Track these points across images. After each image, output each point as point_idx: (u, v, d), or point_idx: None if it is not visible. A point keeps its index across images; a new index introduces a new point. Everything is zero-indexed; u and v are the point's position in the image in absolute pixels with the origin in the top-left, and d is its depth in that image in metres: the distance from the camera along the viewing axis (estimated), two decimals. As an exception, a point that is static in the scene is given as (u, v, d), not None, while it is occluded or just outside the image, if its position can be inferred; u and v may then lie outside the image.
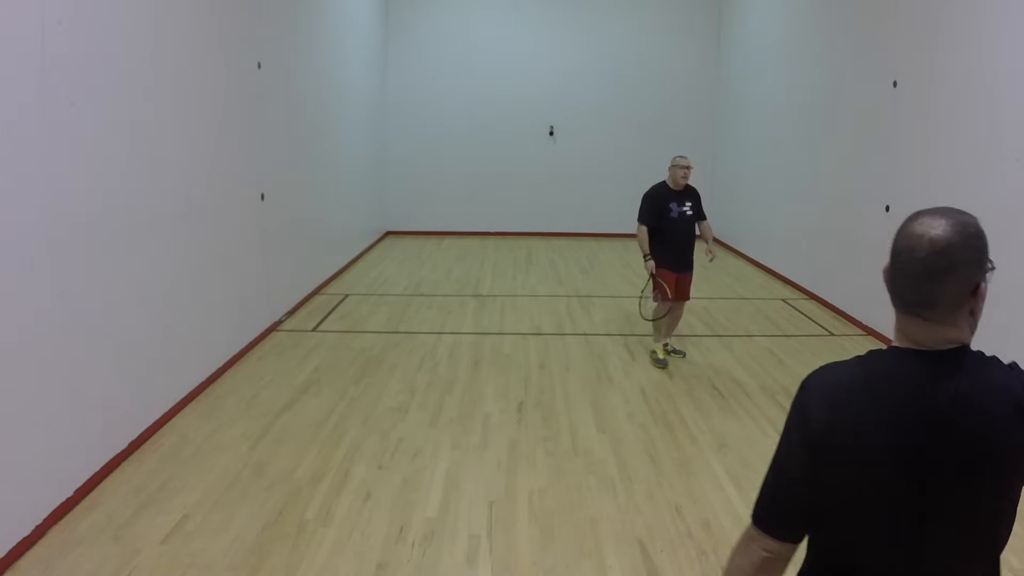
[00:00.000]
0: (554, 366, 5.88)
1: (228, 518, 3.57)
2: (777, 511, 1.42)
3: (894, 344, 1.37)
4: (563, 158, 12.22)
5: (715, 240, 6.14)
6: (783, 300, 8.15)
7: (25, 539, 3.26)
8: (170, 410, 4.68)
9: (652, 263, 5.78)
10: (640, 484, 3.98)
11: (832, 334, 6.86)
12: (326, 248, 8.62)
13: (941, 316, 1.30)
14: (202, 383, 5.14)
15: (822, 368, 1.40)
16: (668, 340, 6.04)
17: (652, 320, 5.97)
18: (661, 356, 5.87)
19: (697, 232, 6.00)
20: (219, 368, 5.43)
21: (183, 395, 4.87)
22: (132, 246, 4.20)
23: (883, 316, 6.63)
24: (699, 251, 6.08)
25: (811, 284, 8.29)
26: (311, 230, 7.87)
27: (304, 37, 7.65)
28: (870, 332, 6.77)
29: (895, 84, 6.42)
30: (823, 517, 1.38)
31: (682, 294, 5.95)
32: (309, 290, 7.84)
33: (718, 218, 12.05)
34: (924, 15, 6.04)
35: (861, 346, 6.46)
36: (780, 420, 5.07)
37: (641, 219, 5.82)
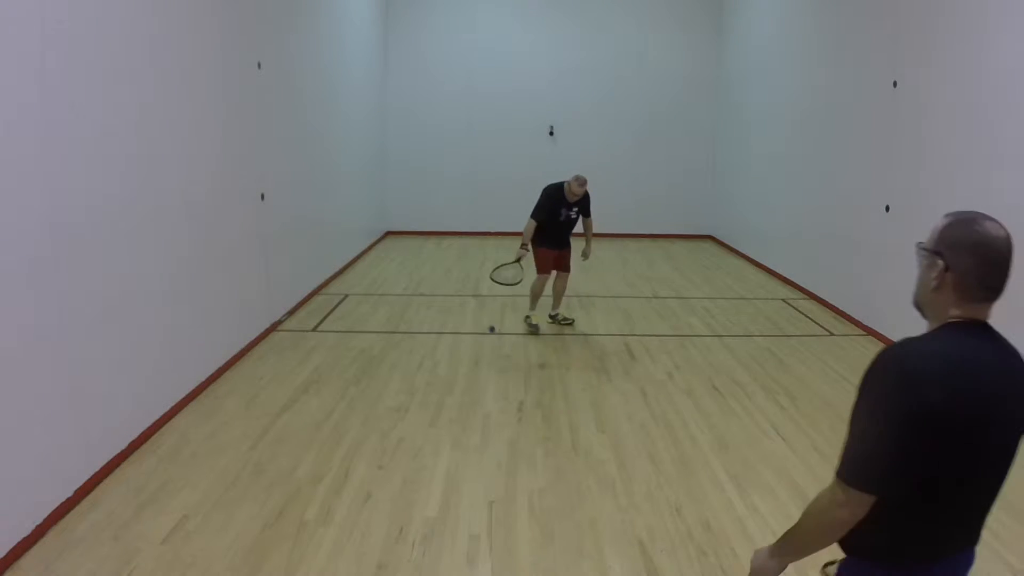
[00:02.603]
0: (554, 366, 5.88)
1: (228, 518, 3.57)
2: (880, 475, 1.52)
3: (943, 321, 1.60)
4: (563, 158, 12.19)
5: (594, 236, 7.09)
6: (783, 300, 8.15)
7: (25, 539, 3.26)
8: (170, 410, 4.68)
9: (525, 252, 6.72)
10: (640, 484, 3.98)
11: (832, 334, 6.86)
12: (326, 248, 8.62)
13: (1000, 295, 1.61)
14: (202, 383, 5.14)
15: (912, 343, 1.56)
16: (558, 310, 7.07)
17: (510, 284, 6.83)
18: (534, 321, 6.84)
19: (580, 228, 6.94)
20: (219, 368, 5.43)
21: (183, 395, 4.87)
22: (132, 246, 4.20)
23: (883, 316, 6.63)
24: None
25: (811, 284, 8.29)
26: (311, 230, 7.86)
27: (304, 37, 7.65)
28: (870, 332, 6.77)
29: (895, 84, 6.42)
30: (923, 483, 1.54)
31: (564, 266, 6.96)
32: (309, 290, 7.84)
33: (718, 218, 12.12)
34: (924, 15, 6.04)
35: (861, 346, 6.46)
36: (780, 420, 5.09)
37: (534, 215, 6.66)
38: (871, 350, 6.34)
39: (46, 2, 3.42)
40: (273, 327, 6.63)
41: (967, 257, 1.57)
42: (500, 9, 12.00)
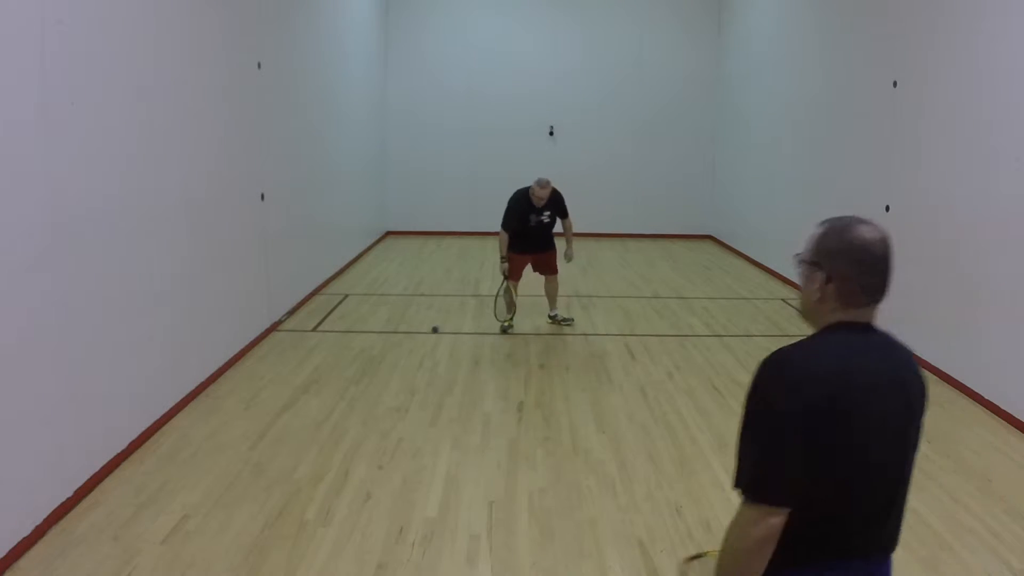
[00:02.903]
0: (554, 366, 5.88)
1: (228, 518, 3.57)
2: (780, 482, 1.50)
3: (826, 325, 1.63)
4: (563, 158, 12.19)
5: (574, 235, 6.99)
6: (783, 300, 8.15)
7: (25, 539, 3.26)
8: (170, 410, 4.68)
9: (507, 266, 6.62)
10: (640, 484, 3.98)
11: (832, 334, 6.85)
12: (326, 248, 8.61)
13: (883, 297, 1.62)
14: (202, 383, 5.14)
15: (791, 348, 1.59)
16: (556, 311, 7.02)
17: (500, 321, 6.80)
18: (507, 324, 6.77)
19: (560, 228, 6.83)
20: (219, 368, 5.43)
21: (183, 395, 4.87)
22: (132, 246, 4.20)
23: (883, 316, 6.60)
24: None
25: (811, 284, 8.28)
26: (311, 230, 7.86)
27: (304, 37, 7.65)
28: (870, 332, 6.76)
29: (895, 84, 6.42)
30: (821, 482, 1.51)
31: (548, 268, 6.86)
32: (309, 290, 7.84)
33: (718, 218, 12.11)
34: (924, 15, 6.04)
35: (861, 346, 6.46)
36: (780, 420, 5.02)
37: (504, 226, 6.57)
38: (871, 350, 6.34)
39: (46, 2, 3.42)
40: (273, 327, 6.63)
41: (845, 265, 1.57)
42: (500, 9, 11.99)
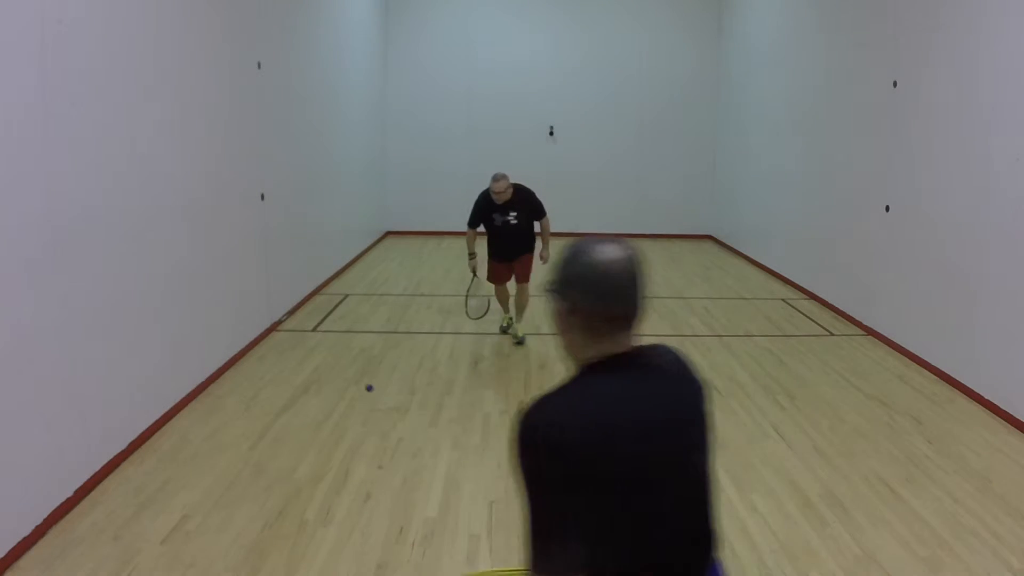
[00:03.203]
0: (554, 366, 5.88)
1: (228, 518, 3.57)
2: (556, 556, 1.39)
3: (585, 361, 1.50)
4: (563, 158, 12.20)
5: (552, 235, 6.42)
6: (783, 300, 8.15)
7: (25, 539, 3.26)
8: (170, 410, 4.68)
9: (474, 262, 6.46)
10: (640, 484, 3.97)
11: (832, 334, 6.86)
12: (326, 248, 8.61)
13: (635, 321, 1.50)
14: (202, 383, 5.14)
15: (542, 403, 1.44)
16: (514, 324, 6.56)
17: (473, 319, 6.63)
18: (506, 325, 6.57)
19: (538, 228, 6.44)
20: (219, 368, 5.43)
21: (183, 395, 4.87)
22: (132, 246, 4.20)
23: (883, 316, 6.63)
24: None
25: (811, 284, 8.29)
26: (311, 230, 7.86)
27: (304, 37, 7.65)
28: (870, 332, 6.77)
29: (895, 84, 6.42)
30: (598, 534, 1.41)
31: (520, 275, 6.43)
32: (309, 290, 7.84)
33: (719, 218, 12.11)
34: (924, 15, 6.04)
35: (861, 346, 6.46)
36: (780, 420, 5.10)
37: (468, 223, 6.40)
38: (871, 350, 6.35)
39: (46, 2, 3.42)
40: (273, 327, 6.63)
41: (584, 293, 1.46)
42: (500, 10, 11.99)
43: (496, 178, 6.09)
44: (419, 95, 12.00)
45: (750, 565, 3.26)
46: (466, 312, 6.75)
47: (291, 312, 7.15)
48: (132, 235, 4.20)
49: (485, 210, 6.25)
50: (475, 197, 6.47)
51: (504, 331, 6.63)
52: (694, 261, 10.47)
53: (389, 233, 12.28)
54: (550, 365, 5.90)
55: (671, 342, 5.74)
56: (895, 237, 6.41)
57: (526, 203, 6.25)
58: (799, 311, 7.68)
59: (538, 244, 6.43)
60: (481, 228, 6.43)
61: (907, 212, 6.26)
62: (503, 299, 6.59)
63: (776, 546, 3.40)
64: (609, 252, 1.46)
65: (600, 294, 1.45)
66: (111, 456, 4.00)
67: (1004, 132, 5.00)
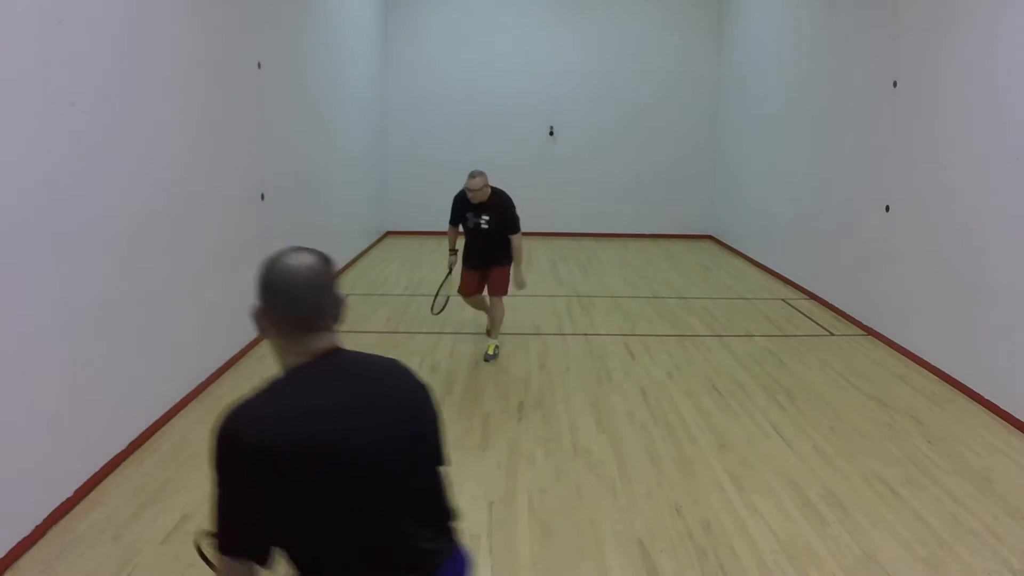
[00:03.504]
0: (554, 366, 5.88)
1: (228, 518, 3.57)
2: (241, 539, 1.50)
3: (288, 365, 1.62)
4: (563, 158, 12.21)
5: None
6: (783, 300, 8.15)
7: (25, 539, 3.26)
8: (170, 410, 4.68)
9: (452, 259, 6.18)
10: (640, 484, 3.98)
11: (832, 334, 6.86)
12: (326, 248, 8.49)
13: (327, 324, 1.61)
14: (202, 383, 5.14)
15: (242, 411, 1.53)
16: (490, 339, 6.12)
17: (434, 313, 6.38)
18: (491, 352, 5.99)
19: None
20: (219, 368, 5.43)
21: (183, 395, 4.87)
22: (132, 246, 4.20)
23: (883, 316, 6.63)
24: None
25: (811, 284, 8.29)
26: (311, 230, 7.86)
27: (304, 37, 7.65)
28: (870, 332, 6.77)
29: (895, 84, 6.42)
30: (292, 530, 1.52)
31: (497, 289, 6.00)
32: (309, 290, 7.82)
33: (718, 218, 12.11)
34: (924, 15, 6.04)
35: (861, 346, 6.46)
36: (780, 420, 5.09)
37: (449, 220, 6.08)
38: (871, 350, 6.35)
39: (46, 2, 3.42)
40: (273, 327, 6.62)
41: (271, 297, 1.58)
42: (500, 11, 11.99)
43: (472, 175, 5.75)
44: (419, 95, 12.00)
45: (750, 565, 3.26)
46: (431, 308, 6.44)
47: (291, 312, 7.14)
48: (132, 235, 4.20)
49: (460, 208, 5.97)
50: None
51: (487, 359, 5.96)
52: (694, 261, 10.47)
53: (389, 233, 12.28)
54: (550, 365, 5.90)
55: (671, 342, 5.76)
56: (895, 237, 6.41)
57: (501, 208, 5.83)
58: (799, 311, 7.68)
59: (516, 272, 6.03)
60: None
61: (907, 212, 6.26)
62: (480, 308, 6.27)
63: (776, 546, 3.40)
64: (296, 259, 1.59)
65: (284, 298, 1.57)
66: (111, 456, 4.00)
67: (1004, 132, 5.00)
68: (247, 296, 6.13)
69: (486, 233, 5.84)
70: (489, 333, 6.14)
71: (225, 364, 5.54)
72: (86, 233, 3.74)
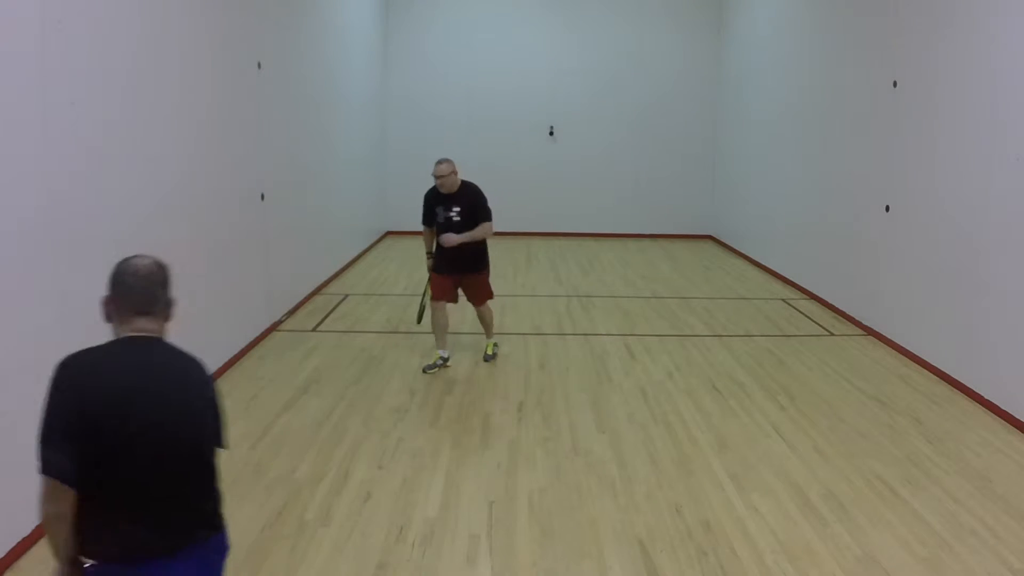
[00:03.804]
0: (554, 366, 5.88)
1: (228, 518, 3.55)
2: (56, 462, 1.80)
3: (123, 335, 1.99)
4: (563, 158, 12.21)
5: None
6: (783, 300, 8.15)
7: (25, 539, 3.26)
8: (170, 410, 4.67)
9: (432, 261, 5.80)
10: (640, 484, 3.98)
11: (832, 334, 6.86)
12: (326, 248, 8.61)
13: (155, 313, 2.04)
14: (202, 383, 5.13)
15: (83, 352, 1.94)
16: (488, 340, 5.93)
17: (419, 322, 6.12)
18: (433, 362, 5.63)
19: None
20: (219, 368, 5.43)
21: (183, 395, 4.86)
22: (132, 246, 4.17)
23: (883, 316, 6.63)
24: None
25: (811, 284, 8.29)
26: (311, 230, 7.86)
27: (304, 37, 7.65)
28: (870, 332, 6.77)
29: (895, 84, 6.42)
30: (93, 462, 1.82)
31: (479, 299, 5.76)
32: (309, 290, 7.84)
33: (718, 218, 12.11)
34: (924, 15, 6.04)
35: (861, 346, 6.46)
36: (780, 420, 5.08)
37: (422, 220, 5.84)
38: (871, 350, 6.34)
39: (46, 2, 3.42)
40: (273, 327, 6.63)
41: (116, 286, 1.99)
42: (500, 11, 12.00)
43: (439, 161, 5.56)
44: (419, 96, 12.00)
45: (750, 565, 3.26)
46: (417, 316, 6.17)
47: (291, 312, 7.15)
48: (132, 235, 4.19)
49: (431, 203, 5.72)
50: None
51: (427, 370, 5.60)
52: (694, 261, 10.47)
53: (389, 233, 12.28)
54: (550, 365, 5.90)
55: (671, 342, 5.77)
56: (895, 237, 6.41)
57: (471, 200, 5.61)
58: (799, 311, 7.68)
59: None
60: None
61: (907, 212, 6.26)
62: (438, 326, 5.68)
63: (776, 546, 3.40)
64: (137, 260, 2.06)
65: (126, 287, 1.99)
66: (111, 456, 3.99)
67: (1004, 132, 5.00)
68: (247, 296, 6.15)
69: (458, 227, 5.57)
70: (488, 333, 6.05)
71: (225, 364, 5.54)
72: (86, 233, 3.74)
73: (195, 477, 2.01)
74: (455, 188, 5.61)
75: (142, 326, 2.00)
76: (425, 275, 6.05)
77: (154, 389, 1.92)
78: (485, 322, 5.99)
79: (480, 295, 5.82)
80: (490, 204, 5.81)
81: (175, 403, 1.94)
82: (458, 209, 5.59)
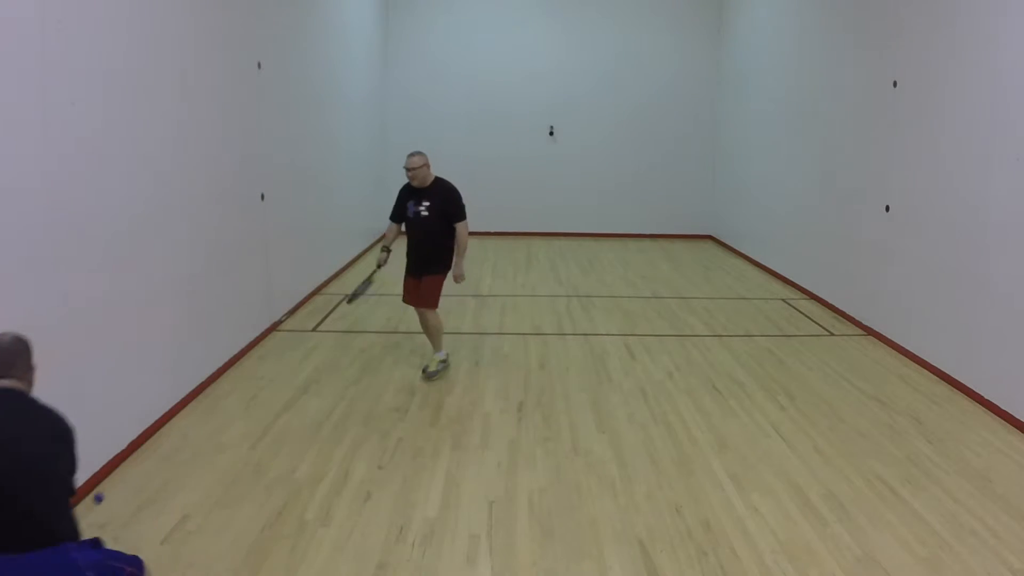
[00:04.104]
0: (554, 366, 5.88)
1: (228, 518, 3.57)
2: None
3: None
4: (563, 158, 12.21)
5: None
6: (783, 300, 8.15)
7: None
8: (170, 410, 4.67)
9: (384, 256, 5.59)
10: (640, 484, 3.98)
11: (832, 334, 6.86)
12: (326, 248, 8.61)
13: (17, 378, 2.45)
14: (202, 383, 5.14)
15: None
16: (439, 353, 5.60)
17: (347, 304, 6.05)
18: (432, 367, 5.50)
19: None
20: (219, 368, 5.43)
21: (183, 395, 4.87)
22: (132, 246, 4.20)
23: (883, 316, 6.63)
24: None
25: (811, 284, 8.29)
26: (311, 230, 7.86)
27: (304, 37, 7.65)
28: (870, 332, 6.77)
29: (895, 84, 6.42)
30: None
31: (421, 300, 5.50)
32: (309, 290, 7.83)
33: (718, 218, 12.11)
34: (924, 15, 6.04)
35: (861, 346, 6.46)
36: (780, 420, 5.09)
37: (390, 216, 5.65)
38: (871, 350, 6.35)
39: (46, 2, 3.42)
40: (273, 327, 6.63)
41: None
42: (501, 12, 12.00)
43: (411, 154, 5.38)
44: (420, 95, 12.01)
45: (750, 565, 3.26)
46: (348, 295, 5.99)
47: (291, 312, 7.15)
48: (132, 235, 4.20)
49: (403, 197, 5.53)
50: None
51: (430, 377, 5.48)
52: (694, 261, 10.47)
53: (389, 233, 12.27)
54: (550, 365, 5.90)
55: (671, 342, 5.77)
56: (895, 237, 6.41)
57: (443, 196, 5.42)
58: (799, 311, 7.68)
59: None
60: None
61: (907, 212, 6.26)
62: (426, 328, 5.64)
63: (776, 546, 3.40)
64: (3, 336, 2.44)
65: None
66: (111, 456, 4.00)
67: (1004, 132, 5.00)
68: (247, 296, 6.15)
69: (426, 222, 5.39)
70: (436, 347, 5.62)
71: (225, 364, 5.54)
72: (86, 233, 3.74)
73: (12, 522, 2.28)
74: (427, 182, 5.46)
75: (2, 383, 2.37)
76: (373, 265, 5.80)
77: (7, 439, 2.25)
78: (430, 329, 5.58)
79: (429, 296, 5.48)
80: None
81: (19, 456, 2.25)
82: (428, 204, 5.42)
